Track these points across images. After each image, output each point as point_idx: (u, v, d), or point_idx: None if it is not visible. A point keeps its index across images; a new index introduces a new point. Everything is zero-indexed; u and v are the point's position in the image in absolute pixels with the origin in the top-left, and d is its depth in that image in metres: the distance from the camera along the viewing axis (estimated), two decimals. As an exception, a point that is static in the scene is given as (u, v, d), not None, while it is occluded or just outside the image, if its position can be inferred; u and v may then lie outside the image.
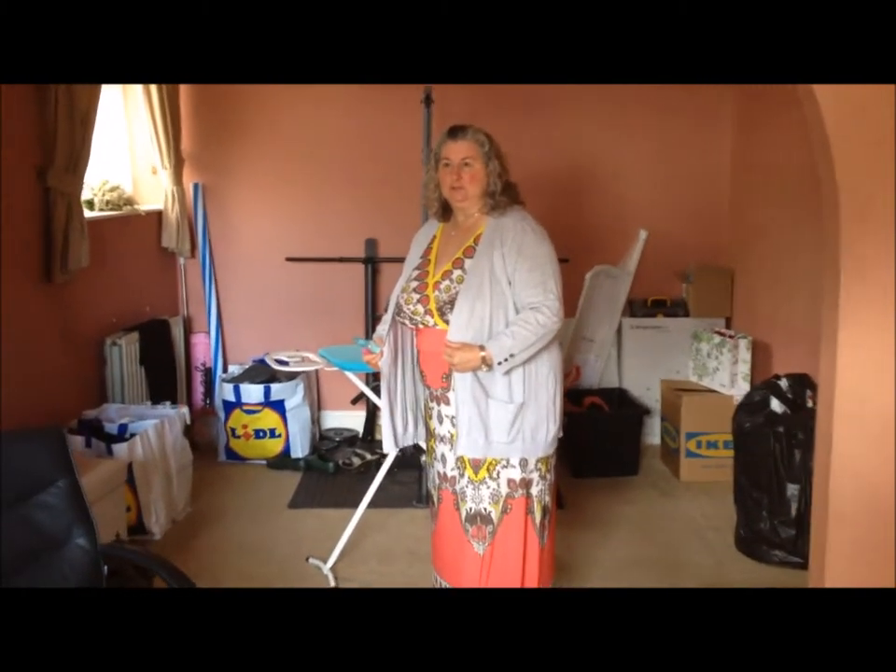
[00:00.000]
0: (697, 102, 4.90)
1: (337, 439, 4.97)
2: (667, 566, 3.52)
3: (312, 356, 3.49)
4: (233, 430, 4.68)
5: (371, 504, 3.61)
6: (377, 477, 3.58)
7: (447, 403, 2.69)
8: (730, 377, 4.45)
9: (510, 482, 2.68)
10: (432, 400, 2.76)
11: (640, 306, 5.03)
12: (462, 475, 2.71)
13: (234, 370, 4.92)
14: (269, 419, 4.67)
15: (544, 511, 2.76)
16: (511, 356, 2.52)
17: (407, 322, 2.71)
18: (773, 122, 4.47)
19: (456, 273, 2.61)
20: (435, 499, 2.85)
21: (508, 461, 2.66)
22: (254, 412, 4.66)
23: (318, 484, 4.44)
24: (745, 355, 4.45)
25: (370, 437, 4.98)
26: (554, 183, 4.87)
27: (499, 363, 2.52)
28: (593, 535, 3.81)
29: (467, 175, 2.64)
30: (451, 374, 2.64)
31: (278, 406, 4.66)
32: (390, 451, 2.87)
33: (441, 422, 2.74)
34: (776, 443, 3.49)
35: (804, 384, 3.68)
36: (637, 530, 3.88)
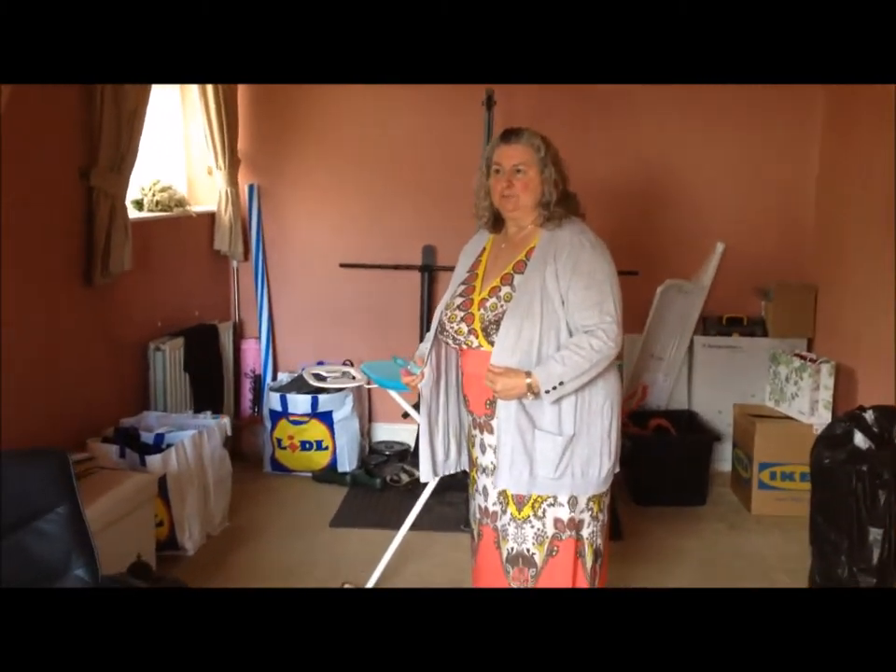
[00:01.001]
0: (782, 105, 4.56)
1: (387, 452, 4.76)
2: (732, 612, 3.21)
3: (353, 370, 3.29)
4: (279, 441, 4.51)
5: (416, 526, 3.41)
6: (419, 501, 3.36)
7: (490, 432, 2.46)
8: (810, 404, 4.10)
9: (556, 521, 2.42)
10: (475, 428, 2.52)
11: (714, 324, 4.70)
12: (504, 511, 2.46)
13: (284, 378, 4.76)
14: (316, 430, 4.49)
15: (596, 554, 2.50)
16: (561, 383, 2.28)
17: (450, 342, 2.48)
18: (865, 125, 4.11)
19: (505, 290, 2.38)
20: (475, 534, 2.61)
21: (555, 499, 2.41)
22: (301, 422, 4.48)
23: (364, 501, 4.24)
24: (827, 381, 4.09)
25: (422, 452, 4.76)
26: (624, 191, 4.58)
27: (547, 391, 2.28)
28: (650, 571, 3.52)
29: (519, 183, 2.40)
30: (495, 401, 2.41)
31: (326, 417, 4.48)
32: (428, 479, 2.65)
33: (483, 451, 2.50)
34: (858, 482, 3.15)
35: (892, 417, 3.33)
36: (699, 567, 3.58)
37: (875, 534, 3.12)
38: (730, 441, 4.53)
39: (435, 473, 2.60)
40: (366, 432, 4.84)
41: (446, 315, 2.47)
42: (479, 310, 2.38)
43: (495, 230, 2.55)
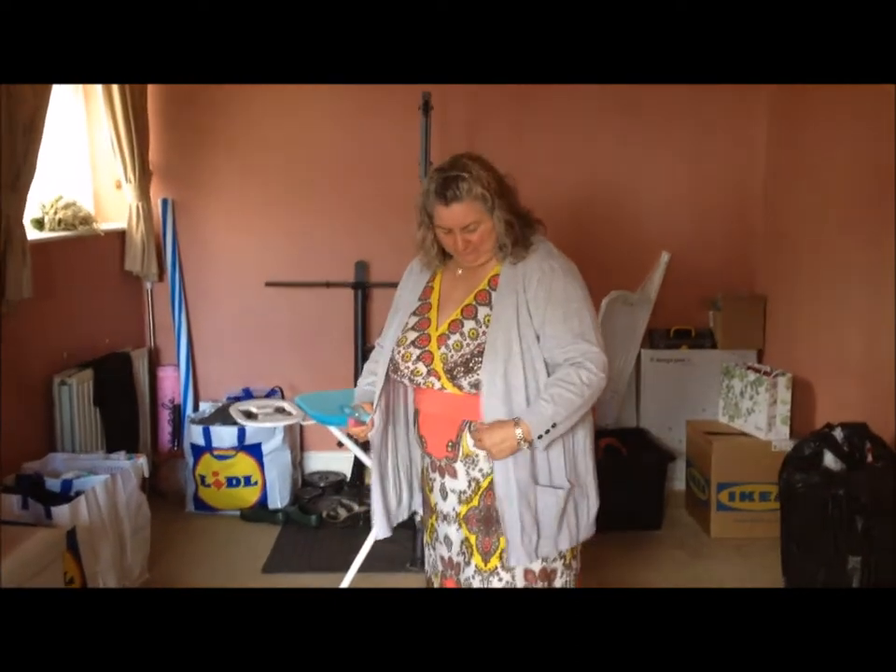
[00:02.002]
0: (725, 106, 4.39)
1: (322, 484, 4.43)
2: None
3: (287, 405, 2.96)
4: (203, 478, 4.14)
5: (359, 568, 3.10)
6: (362, 550, 3.05)
7: (453, 476, 2.17)
8: (767, 420, 3.91)
9: (527, 573, 2.14)
10: (433, 471, 2.22)
11: (662, 336, 4.50)
12: (468, 562, 2.17)
13: (206, 408, 4.38)
14: (243, 465, 4.13)
15: None
16: (554, 426, 2.01)
17: (406, 381, 2.18)
18: (812, 125, 3.95)
19: (469, 325, 2.08)
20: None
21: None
22: (226, 457, 4.11)
23: (298, 541, 3.89)
24: (784, 395, 3.91)
25: (358, 482, 4.44)
26: (565, 198, 4.35)
27: (539, 437, 2.01)
28: (615, 609, 3.27)
29: (476, 237, 2.09)
30: (458, 442, 2.12)
31: (254, 450, 4.12)
32: (384, 535, 2.33)
33: (444, 497, 2.20)
34: (834, 508, 2.96)
35: (862, 434, 3.14)
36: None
37: (853, 562, 2.94)
38: (683, 460, 4.33)
39: (390, 525, 2.30)
40: (298, 463, 4.49)
41: (398, 352, 2.16)
42: (439, 348, 2.08)
43: (445, 260, 2.25)
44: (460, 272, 2.19)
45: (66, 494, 3.17)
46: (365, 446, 2.80)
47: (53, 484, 3.21)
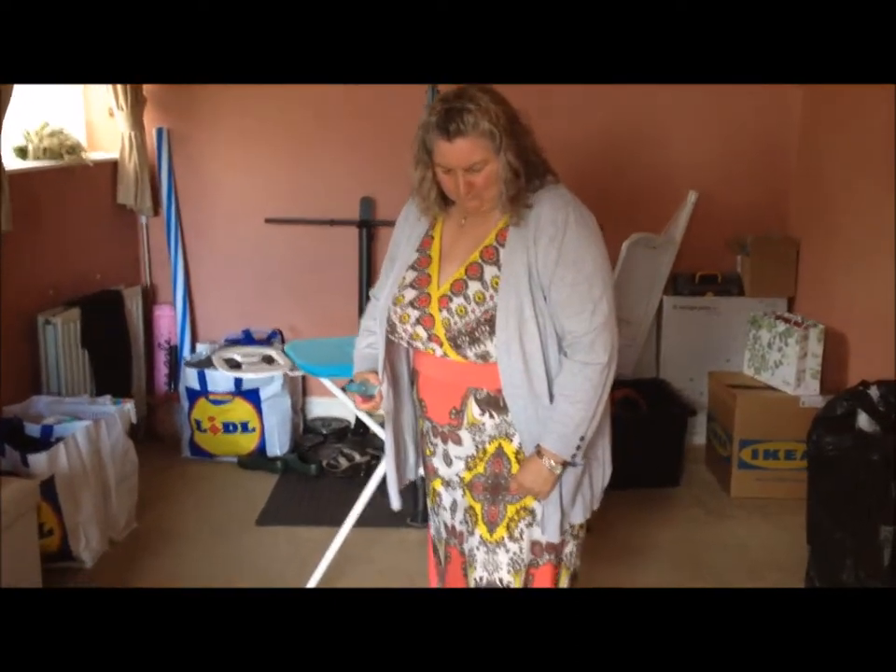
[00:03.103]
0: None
1: (324, 432, 4.24)
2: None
3: (275, 353, 2.73)
4: (198, 423, 3.96)
5: (356, 522, 2.91)
6: (361, 499, 2.85)
7: (457, 443, 1.94)
8: (796, 374, 3.66)
9: (534, 545, 1.94)
10: (435, 436, 2.00)
11: (686, 282, 4.23)
12: (472, 532, 1.96)
13: (203, 350, 4.18)
14: (240, 411, 3.94)
15: (572, 578, 2.03)
16: (582, 439, 1.82)
17: (403, 343, 1.95)
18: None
19: (474, 287, 1.81)
20: (442, 556, 2.11)
21: (534, 517, 1.92)
22: (223, 402, 3.92)
23: (297, 491, 3.72)
24: (815, 347, 3.65)
25: (362, 429, 4.24)
26: (586, 134, 4.07)
27: (574, 455, 1.83)
28: (621, 570, 3.08)
29: (480, 180, 1.79)
30: (462, 410, 1.90)
31: (252, 396, 3.93)
32: (397, 507, 2.14)
33: (448, 463, 1.98)
34: (867, 474, 2.72)
35: (900, 393, 2.89)
36: (677, 565, 3.14)
37: (886, 532, 2.70)
38: (704, 413, 4.10)
39: (401, 486, 2.11)
40: (299, 409, 4.30)
41: (395, 313, 1.91)
42: (440, 311, 1.83)
43: (447, 205, 1.97)
44: (464, 221, 1.92)
45: (46, 440, 3.01)
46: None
47: (33, 430, 3.05)
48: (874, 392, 2.89)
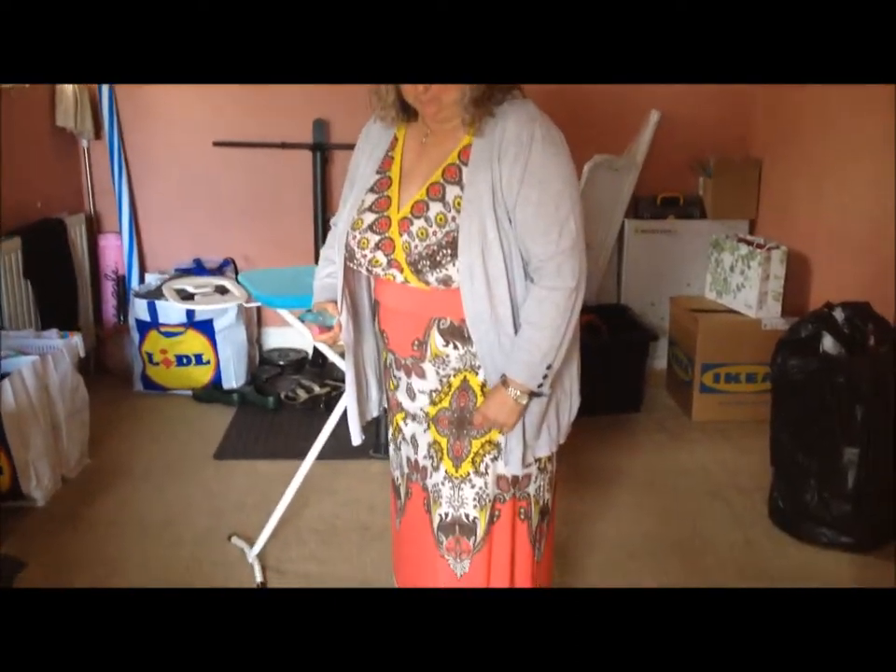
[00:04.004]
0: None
1: (280, 363, 4.15)
2: (684, 546, 2.78)
3: (229, 283, 2.61)
4: (150, 356, 3.83)
5: (317, 454, 2.83)
6: (323, 432, 2.76)
7: (421, 376, 1.86)
8: (758, 296, 3.63)
9: (500, 479, 1.88)
10: (398, 369, 1.91)
11: (648, 205, 4.17)
12: (436, 467, 1.90)
13: (152, 280, 4.03)
14: (194, 343, 3.83)
15: (542, 513, 1.98)
16: (549, 367, 1.72)
17: (363, 271, 1.84)
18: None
19: (435, 208, 1.70)
20: (402, 492, 2.04)
21: (499, 451, 1.86)
22: (175, 334, 3.80)
23: (254, 424, 3.64)
24: (778, 269, 3.62)
25: (320, 360, 4.16)
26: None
27: (540, 385, 1.74)
28: (590, 500, 3.06)
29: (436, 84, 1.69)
30: (425, 341, 1.81)
31: (205, 327, 3.81)
32: (358, 442, 2.04)
33: (412, 397, 1.90)
34: (833, 396, 2.71)
35: (865, 315, 2.87)
36: (643, 491, 3.13)
37: (850, 454, 2.72)
38: (666, 338, 4.07)
39: (362, 427, 2.02)
40: (255, 340, 4.19)
41: (354, 238, 1.80)
42: (401, 235, 1.72)
43: (406, 118, 1.86)
44: (425, 139, 1.80)
45: (-10, 376, 2.88)
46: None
47: (-25, 366, 2.91)
48: (838, 314, 2.87)
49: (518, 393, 1.73)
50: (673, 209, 4.17)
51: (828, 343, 2.82)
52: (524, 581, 1.97)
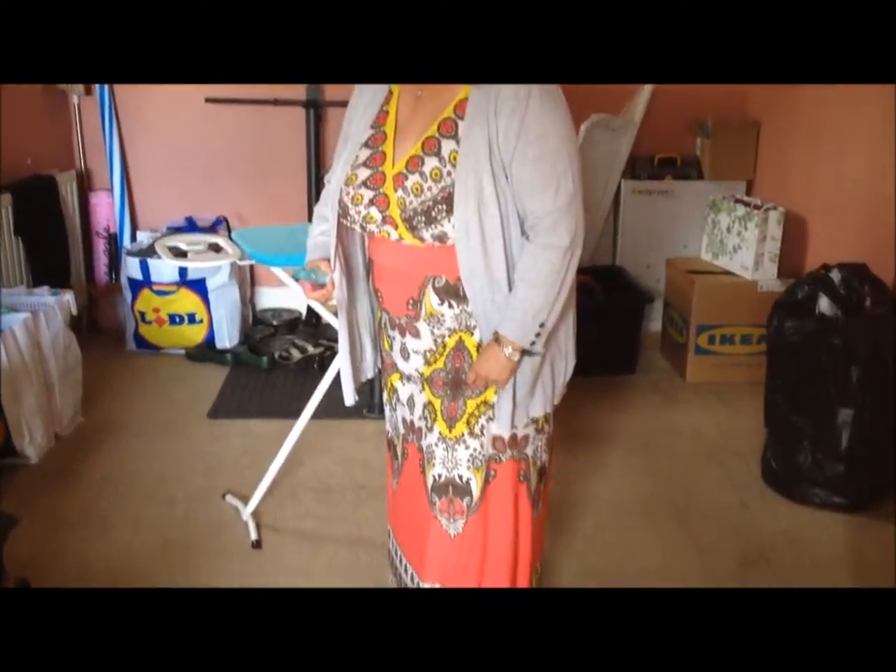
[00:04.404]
0: None
1: (274, 323, 4.13)
2: (678, 506, 2.79)
3: (222, 241, 2.58)
4: (142, 314, 3.81)
5: (312, 414, 2.82)
6: (318, 390, 2.75)
7: (415, 335, 1.84)
8: (754, 258, 3.62)
9: (496, 440, 1.87)
10: (392, 328, 1.89)
11: (645, 165, 4.13)
12: (430, 428, 1.88)
13: (144, 238, 3.99)
14: (186, 302, 3.80)
15: (540, 474, 1.97)
16: (542, 325, 1.69)
17: (357, 228, 1.81)
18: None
19: (430, 163, 1.67)
20: (398, 453, 2.03)
21: (494, 412, 1.85)
22: (167, 293, 3.77)
23: (248, 384, 3.63)
24: (775, 231, 3.60)
25: (314, 320, 4.14)
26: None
27: (533, 343, 1.71)
28: (585, 459, 3.07)
29: None
30: (420, 300, 1.79)
31: (198, 286, 3.78)
32: (351, 402, 2.03)
33: (406, 357, 1.88)
34: (828, 358, 2.71)
35: (862, 277, 2.86)
36: (638, 452, 3.14)
37: (844, 415, 2.72)
38: (661, 300, 4.06)
39: (356, 389, 2.00)
40: (248, 299, 4.17)
41: (347, 193, 1.77)
42: (395, 191, 1.69)
43: None
44: (420, 93, 1.76)
45: (-19, 333, 2.85)
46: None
47: (-34, 324, 2.88)
48: (835, 275, 2.86)
49: (510, 350, 1.71)
50: (670, 170, 4.13)
51: (824, 304, 2.81)
52: (525, 542, 1.97)
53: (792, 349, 2.81)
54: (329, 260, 1.86)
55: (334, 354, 2.72)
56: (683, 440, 3.24)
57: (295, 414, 2.76)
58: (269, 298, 4.30)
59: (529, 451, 1.91)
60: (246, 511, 2.67)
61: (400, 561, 2.07)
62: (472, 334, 1.80)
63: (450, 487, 1.88)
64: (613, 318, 3.79)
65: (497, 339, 1.72)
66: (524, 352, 1.73)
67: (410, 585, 2.01)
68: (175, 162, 4.09)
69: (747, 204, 3.69)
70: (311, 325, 4.13)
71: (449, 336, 1.81)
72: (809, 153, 3.62)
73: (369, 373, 2.06)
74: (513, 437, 1.86)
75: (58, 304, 3.08)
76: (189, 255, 2.54)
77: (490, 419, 1.84)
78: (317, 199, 2.02)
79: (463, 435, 1.85)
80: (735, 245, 3.71)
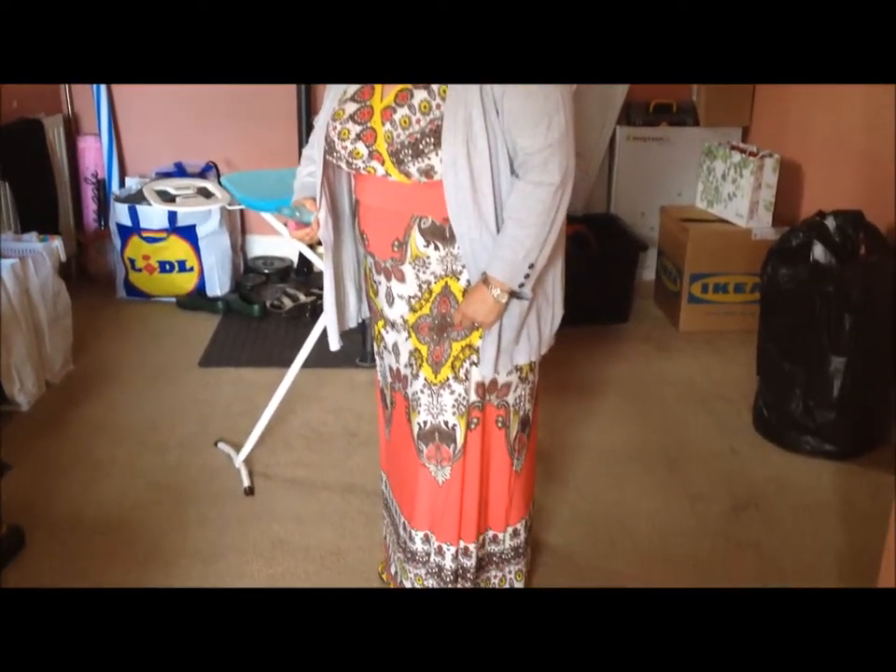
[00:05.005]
0: None
1: (265, 271, 4.09)
2: (669, 455, 2.81)
3: (211, 186, 2.54)
4: (132, 262, 3.77)
5: (304, 363, 2.81)
6: (308, 340, 2.74)
7: (400, 279, 1.81)
8: (749, 205, 3.59)
9: (479, 386, 1.86)
10: (378, 273, 1.87)
11: (640, 112, 4.08)
12: (416, 375, 1.87)
13: (133, 184, 3.94)
14: (177, 249, 3.76)
15: (523, 423, 1.96)
16: (531, 266, 1.67)
17: (343, 165, 1.78)
18: None
19: (419, 96, 1.63)
20: (388, 401, 2.02)
21: (478, 356, 1.83)
22: (157, 240, 3.73)
23: (240, 332, 3.61)
24: (770, 178, 3.57)
25: (305, 269, 4.11)
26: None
27: (521, 285, 1.69)
28: (576, 408, 3.07)
29: None
30: (405, 242, 1.76)
31: (188, 233, 3.74)
32: (336, 348, 2.01)
33: (390, 303, 1.86)
34: (822, 305, 2.70)
35: (857, 224, 2.84)
36: (629, 400, 3.14)
37: (837, 363, 2.72)
38: (655, 249, 4.04)
39: (341, 334, 1.98)
40: (239, 247, 4.13)
41: (334, 128, 1.74)
42: (383, 124, 1.66)
43: None
44: None
45: (-32, 280, 2.82)
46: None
47: (-47, 270, 2.85)
48: (830, 223, 2.84)
49: (499, 292, 1.69)
50: (666, 116, 4.08)
51: (819, 251, 2.80)
52: (500, 491, 1.97)
53: (786, 297, 2.80)
54: (314, 200, 1.83)
55: (325, 302, 2.70)
56: (675, 388, 3.24)
57: (287, 363, 2.75)
58: (260, 246, 4.27)
59: (511, 399, 1.89)
60: (239, 459, 2.67)
61: (396, 511, 2.07)
62: (458, 279, 1.77)
63: (436, 434, 1.87)
64: (606, 267, 3.77)
65: (485, 280, 1.69)
66: (511, 294, 1.71)
67: (401, 534, 2.02)
68: (164, 107, 4.02)
69: (742, 151, 3.65)
70: (303, 273, 4.10)
71: (435, 282, 1.78)
72: (806, 100, 3.57)
73: (352, 322, 2.03)
74: (493, 382, 1.85)
75: (46, 250, 3.05)
76: (177, 199, 2.50)
77: (474, 364, 1.82)
78: (303, 152, 1.99)
79: (448, 380, 1.83)
80: (730, 192, 3.68)
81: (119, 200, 3.75)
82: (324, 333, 2.04)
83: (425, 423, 1.87)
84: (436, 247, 1.74)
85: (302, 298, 3.76)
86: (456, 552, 1.94)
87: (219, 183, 2.62)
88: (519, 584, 2.09)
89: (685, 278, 3.66)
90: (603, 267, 3.75)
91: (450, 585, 1.97)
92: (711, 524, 2.46)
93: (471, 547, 1.96)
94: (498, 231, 1.68)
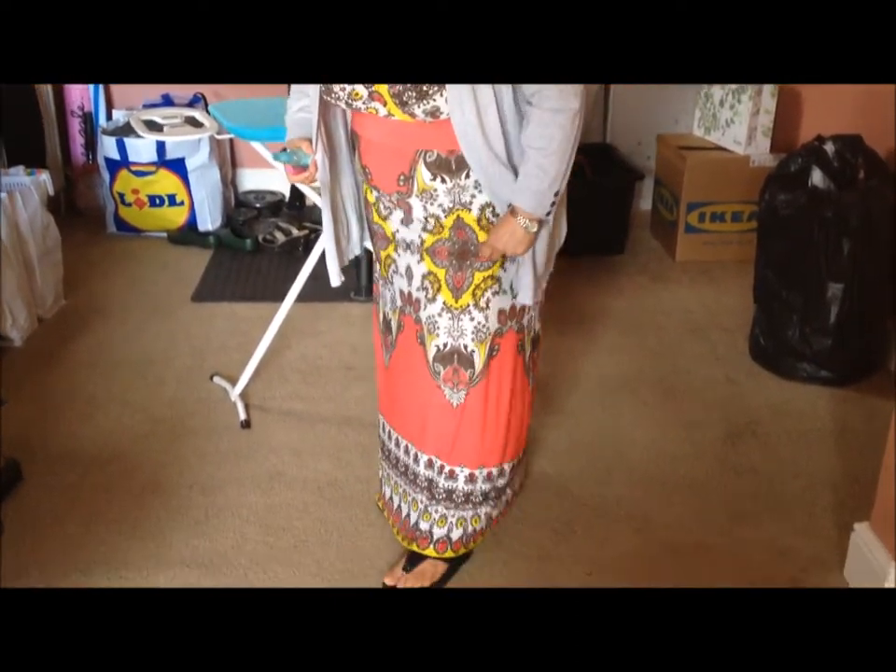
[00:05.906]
0: None
1: (257, 205, 4.04)
2: (665, 383, 2.81)
3: (199, 115, 2.48)
4: (122, 196, 3.72)
5: (297, 297, 2.79)
6: (304, 270, 2.70)
7: (408, 212, 1.79)
8: (747, 132, 3.53)
9: (500, 313, 1.85)
10: (387, 205, 1.84)
11: (636, 38, 3.99)
12: (433, 299, 1.84)
13: (120, 117, 3.86)
14: (166, 183, 3.70)
15: (534, 343, 1.98)
16: (556, 194, 1.66)
17: (342, 105, 1.73)
18: None
19: None
20: (393, 325, 1.99)
21: (500, 284, 1.82)
22: (146, 173, 3.67)
23: (232, 267, 3.57)
24: (769, 103, 3.51)
25: (298, 202, 4.06)
26: None
27: (548, 213, 1.68)
28: (573, 338, 3.06)
29: None
30: (412, 175, 1.73)
31: (177, 166, 3.68)
32: (336, 283, 1.98)
33: (407, 224, 1.83)
34: (820, 231, 2.68)
35: (856, 148, 2.80)
36: (626, 331, 3.13)
37: (834, 290, 2.71)
38: (652, 178, 3.99)
39: (341, 267, 1.95)
40: (230, 181, 4.07)
41: None
42: None
43: None
44: None
45: (-44, 215, 2.78)
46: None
47: (-61, 204, 2.81)
48: (829, 147, 2.80)
49: (528, 222, 1.68)
50: (662, 42, 4.00)
51: (817, 177, 2.76)
52: (521, 411, 1.99)
53: (784, 223, 2.77)
54: (310, 140, 1.79)
55: (319, 236, 2.65)
56: (671, 318, 3.23)
57: (280, 298, 2.72)
58: (251, 179, 4.20)
59: (525, 320, 1.90)
60: (235, 392, 2.67)
61: (397, 443, 2.06)
62: (469, 210, 1.75)
63: (455, 356, 1.86)
64: (603, 197, 3.72)
65: (512, 211, 1.67)
66: (540, 222, 1.70)
67: (405, 460, 2.02)
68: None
69: (741, 77, 3.57)
70: (295, 207, 4.05)
71: (445, 217, 1.76)
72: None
73: (356, 250, 2.01)
74: (513, 307, 1.85)
75: (34, 184, 3.01)
76: (165, 129, 2.45)
77: (496, 293, 1.82)
78: (289, 133, 1.93)
79: (468, 306, 1.82)
80: (728, 119, 3.62)
81: (106, 133, 3.68)
82: (318, 266, 2.02)
83: (445, 345, 1.85)
84: (443, 180, 1.72)
85: (295, 232, 3.72)
86: (471, 475, 1.95)
87: (207, 112, 2.56)
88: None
89: (682, 207, 3.62)
90: (599, 197, 3.70)
91: (460, 510, 1.98)
92: (708, 450, 2.47)
93: (495, 471, 1.97)
94: (510, 160, 1.67)
